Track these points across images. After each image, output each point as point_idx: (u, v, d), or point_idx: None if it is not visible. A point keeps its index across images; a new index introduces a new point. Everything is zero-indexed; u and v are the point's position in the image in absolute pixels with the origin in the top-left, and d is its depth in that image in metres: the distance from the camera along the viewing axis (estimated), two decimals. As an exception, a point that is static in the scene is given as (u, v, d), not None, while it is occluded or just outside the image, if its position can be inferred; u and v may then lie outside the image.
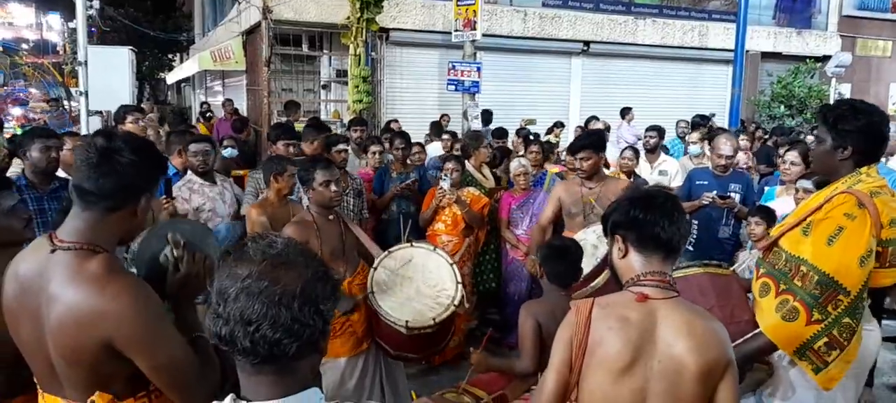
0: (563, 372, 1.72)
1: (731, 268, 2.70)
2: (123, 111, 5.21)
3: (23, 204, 2.19)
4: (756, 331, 2.27)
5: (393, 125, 8.15)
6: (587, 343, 1.68)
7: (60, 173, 3.85)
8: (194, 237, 1.82)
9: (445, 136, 7.13)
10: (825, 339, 2.15)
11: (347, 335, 3.22)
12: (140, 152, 1.55)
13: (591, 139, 4.09)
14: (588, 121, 9.41)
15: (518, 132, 7.51)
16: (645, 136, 6.11)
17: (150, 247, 1.78)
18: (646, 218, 1.73)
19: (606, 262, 3.09)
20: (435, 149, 6.94)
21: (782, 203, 4.22)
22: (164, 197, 3.49)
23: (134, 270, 1.77)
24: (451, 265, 3.20)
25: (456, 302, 3.05)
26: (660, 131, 6.20)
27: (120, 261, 1.58)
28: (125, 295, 1.45)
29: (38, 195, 3.54)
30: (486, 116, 10.47)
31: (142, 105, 10.29)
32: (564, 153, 4.94)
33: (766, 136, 9.13)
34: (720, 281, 2.48)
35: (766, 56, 14.72)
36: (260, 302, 1.07)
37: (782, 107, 13.37)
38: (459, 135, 7.57)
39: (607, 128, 8.82)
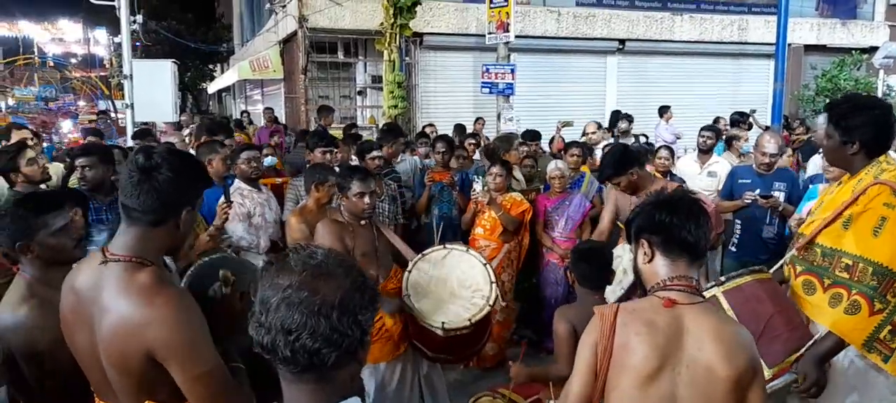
0: (589, 378, 1.71)
1: (772, 270, 2.67)
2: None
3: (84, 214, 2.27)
4: (824, 332, 2.31)
5: (428, 129, 8.18)
6: (613, 348, 1.67)
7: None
8: (244, 276, 1.88)
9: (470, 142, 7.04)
10: (889, 327, 2.21)
11: (384, 340, 3.25)
12: (178, 168, 1.60)
13: (614, 168, 3.79)
14: (613, 117, 9.26)
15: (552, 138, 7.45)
16: (701, 135, 5.93)
17: (202, 278, 1.86)
18: (671, 221, 1.71)
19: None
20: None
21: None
22: (223, 201, 3.61)
23: None
24: (485, 265, 3.21)
25: (491, 302, 3.05)
26: (717, 132, 6.06)
27: (167, 274, 1.64)
28: (169, 307, 1.50)
29: (98, 206, 3.69)
30: (614, 117, 9.55)
31: (181, 118, 10.55)
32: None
33: (810, 133, 8.86)
34: (769, 286, 2.47)
35: (810, 49, 14.27)
36: (300, 312, 1.10)
37: (827, 101, 12.94)
38: (491, 139, 7.54)
39: (638, 139, 8.62)
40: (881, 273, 2.18)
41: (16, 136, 4.92)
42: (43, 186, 3.96)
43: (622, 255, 3.37)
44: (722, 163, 5.79)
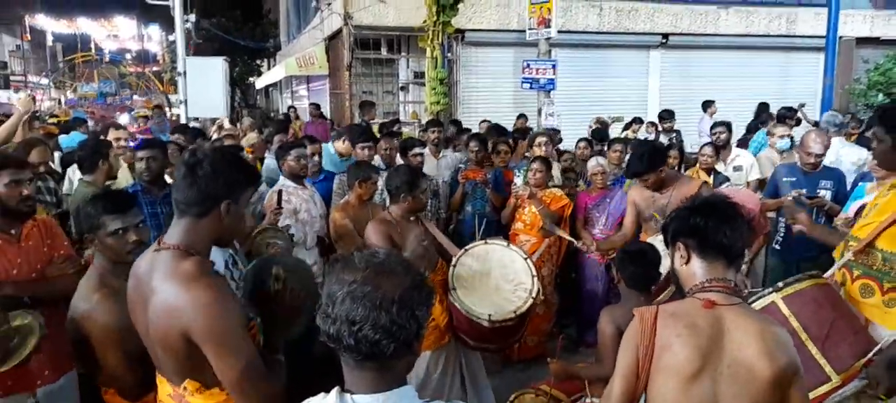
0: (630, 379, 1.75)
1: (826, 274, 2.62)
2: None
3: (141, 213, 2.41)
4: (891, 335, 2.25)
5: (482, 125, 8.21)
6: (654, 349, 1.71)
7: (169, 179, 4.21)
8: (296, 274, 2.01)
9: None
10: None
11: (431, 328, 3.37)
12: (218, 165, 1.74)
13: (645, 165, 3.92)
14: (661, 116, 9.19)
15: (594, 132, 7.45)
16: (713, 133, 5.93)
17: (259, 273, 2.00)
18: (707, 224, 1.75)
19: (670, 279, 3.10)
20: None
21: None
22: (275, 205, 3.79)
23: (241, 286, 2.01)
24: (526, 259, 3.32)
25: (534, 295, 3.18)
26: (728, 126, 6.04)
27: (210, 264, 1.79)
28: (207, 292, 1.65)
29: (152, 200, 3.87)
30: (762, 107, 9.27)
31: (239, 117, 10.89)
32: None
33: (863, 128, 8.60)
34: (829, 290, 2.44)
35: (862, 41, 13.78)
36: (363, 305, 1.21)
37: (881, 95, 12.48)
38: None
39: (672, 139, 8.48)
40: None
41: (112, 135, 5.17)
42: (108, 183, 4.22)
43: (659, 240, 3.42)
44: (744, 156, 5.78)
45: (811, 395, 2.17)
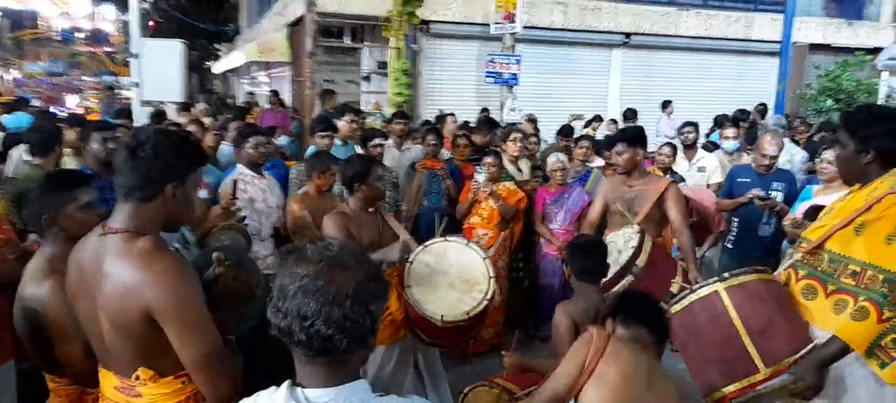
0: (570, 384, 1.96)
1: (775, 273, 2.68)
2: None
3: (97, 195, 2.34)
4: (829, 336, 2.28)
5: (449, 119, 8.16)
6: (596, 366, 1.93)
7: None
8: (239, 259, 1.98)
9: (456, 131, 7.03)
10: (893, 335, 2.18)
11: (387, 323, 3.34)
12: (160, 147, 1.67)
13: (628, 132, 4.10)
14: (625, 115, 9.34)
15: (561, 129, 7.51)
16: (682, 133, 6.02)
17: (202, 260, 1.95)
18: (628, 317, 2.19)
19: (628, 268, 3.14)
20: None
21: (820, 202, 4.17)
22: (231, 197, 3.69)
23: None
24: (484, 259, 3.28)
25: (489, 297, 3.15)
26: (696, 127, 6.14)
27: (164, 242, 1.72)
28: (167, 268, 1.60)
29: (102, 184, 3.75)
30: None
31: (195, 102, 10.59)
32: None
33: (812, 132, 8.90)
34: (773, 286, 2.49)
35: (815, 48, 14.22)
36: (315, 299, 1.18)
37: (829, 101, 12.95)
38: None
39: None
40: (893, 281, 2.16)
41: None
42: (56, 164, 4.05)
43: (615, 240, 3.45)
44: (709, 158, 5.87)
45: (739, 384, 2.30)
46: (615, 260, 3.20)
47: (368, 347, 1.27)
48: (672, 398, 1.98)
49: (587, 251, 2.91)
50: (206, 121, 6.46)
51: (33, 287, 2.06)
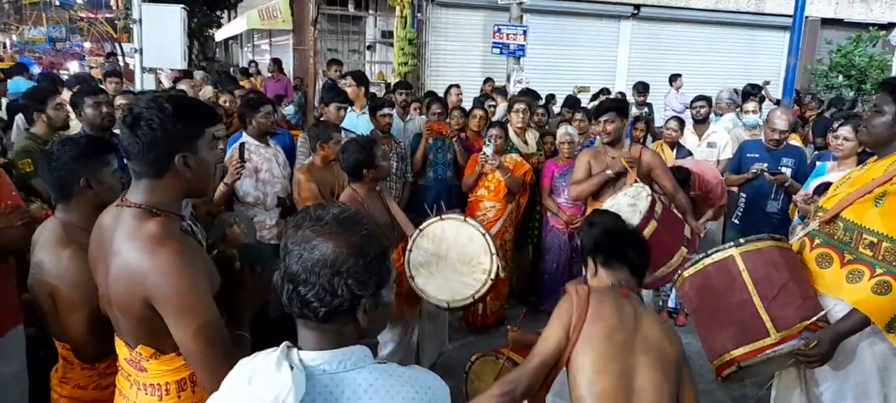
0: (559, 345, 2.00)
1: (790, 243, 2.68)
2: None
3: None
4: (844, 307, 2.29)
5: (453, 91, 8.04)
6: (585, 317, 1.99)
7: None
8: (251, 252, 1.93)
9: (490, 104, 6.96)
10: None
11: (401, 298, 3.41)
12: (157, 119, 1.54)
13: (615, 102, 4.13)
14: (636, 88, 9.23)
15: (567, 100, 7.40)
16: (693, 107, 5.92)
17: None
18: (610, 242, 2.21)
19: (650, 215, 3.16)
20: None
21: (834, 179, 4.12)
22: (236, 158, 3.66)
23: None
24: (484, 235, 3.22)
25: (493, 276, 3.13)
26: (708, 101, 6.04)
27: (176, 226, 1.64)
28: (170, 258, 1.52)
29: None
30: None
31: (193, 71, 10.45)
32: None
33: (823, 108, 8.80)
34: (789, 255, 2.49)
35: (827, 23, 14.03)
36: (298, 264, 1.18)
37: (841, 77, 12.79)
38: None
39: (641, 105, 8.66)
40: None
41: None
42: (61, 133, 4.00)
43: (618, 201, 3.44)
44: (720, 133, 5.77)
45: (749, 348, 2.33)
46: (633, 213, 3.19)
47: (358, 321, 1.23)
48: (658, 332, 2.01)
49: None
50: (207, 90, 6.35)
51: (49, 257, 2.00)
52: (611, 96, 7.81)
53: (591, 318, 1.96)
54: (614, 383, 1.89)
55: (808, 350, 2.27)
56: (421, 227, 3.34)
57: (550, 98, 8.91)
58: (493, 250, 3.18)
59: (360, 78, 6.07)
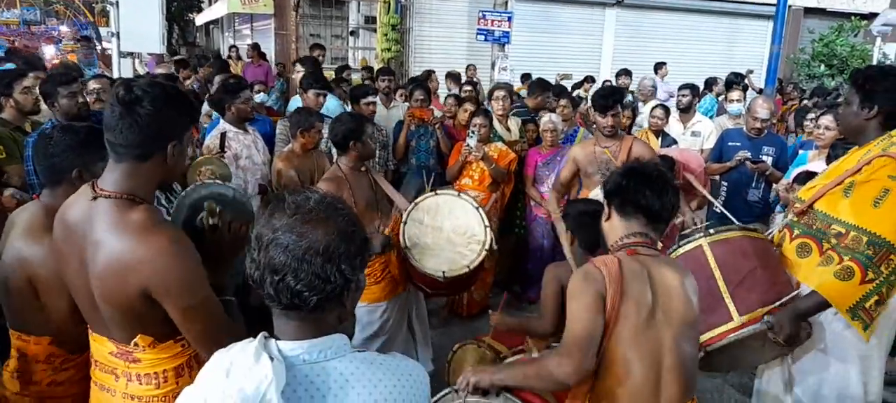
0: (595, 324, 1.76)
1: (767, 233, 2.73)
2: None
3: None
4: (809, 290, 2.34)
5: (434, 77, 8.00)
6: (621, 295, 1.77)
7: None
8: (233, 205, 1.88)
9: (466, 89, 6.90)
10: (876, 297, 2.24)
11: (388, 280, 3.41)
12: (160, 102, 1.54)
13: (619, 95, 4.09)
14: (618, 75, 9.22)
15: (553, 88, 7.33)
16: (678, 95, 5.92)
17: (188, 208, 1.85)
18: (628, 184, 1.90)
19: None
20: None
21: (815, 168, 4.15)
22: (218, 151, 3.62)
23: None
24: (477, 208, 3.30)
25: (487, 247, 3.20)
26: (693, 89, 6.03)
27: (160, 212, 1.62)
28: (164, 245, 1.50)
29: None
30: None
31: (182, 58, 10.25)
32: (590, 111, 4.83)
33: (804, 97, 8.87)
34: (759, 243, 2.53)
35: (809, 12, 14.14)
36: (286, 254, 1.13)
37: (823, 66, 12.91)
38: (486, 88, 7.46)
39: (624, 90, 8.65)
40: (878, 244, 2.19)
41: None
42: (31, 118, 3.88)
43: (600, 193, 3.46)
44: (704, 123, 5.80)
45: (713, 333, 2.37)
46: None
47: (345, 305, 1.23)
48: (679, 294, 1.83)
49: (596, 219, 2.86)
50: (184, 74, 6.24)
51: (27, 242, 1.92)
52: (613, 85, 7.63)
53: (625, 298, 1.76)
54: (646, 373, 1.76)
55: (776, 334, 2.31)
56: (416, 201, 3.37)
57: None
58: (487, 222, 3.26)
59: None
